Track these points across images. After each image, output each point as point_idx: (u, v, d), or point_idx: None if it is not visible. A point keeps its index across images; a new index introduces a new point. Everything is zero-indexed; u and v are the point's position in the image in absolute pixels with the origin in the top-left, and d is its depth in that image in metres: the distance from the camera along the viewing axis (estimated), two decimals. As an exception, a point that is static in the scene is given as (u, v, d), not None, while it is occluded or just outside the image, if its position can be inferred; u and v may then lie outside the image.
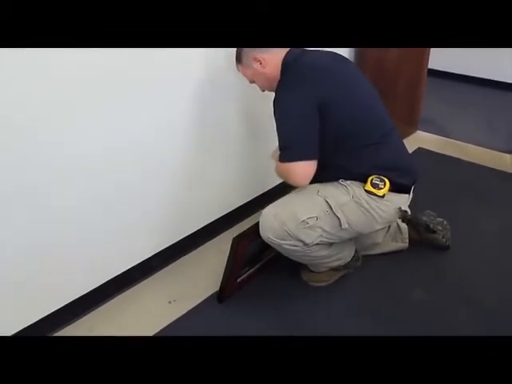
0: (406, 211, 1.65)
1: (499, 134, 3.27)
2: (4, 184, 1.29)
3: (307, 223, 1.52)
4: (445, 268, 1.90)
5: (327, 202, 1.54)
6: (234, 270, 1.67)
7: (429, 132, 3.24)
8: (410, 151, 2.19)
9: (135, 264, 1.78)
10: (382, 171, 1.56)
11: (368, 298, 1.74)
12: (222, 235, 2.09)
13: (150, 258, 1.83)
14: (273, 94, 1.54)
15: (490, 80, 4.22)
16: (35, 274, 1.46)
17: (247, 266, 1.77)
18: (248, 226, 1.66)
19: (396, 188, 1.58)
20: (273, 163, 1.65)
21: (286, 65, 1.56)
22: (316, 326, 1.61)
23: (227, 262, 1.63)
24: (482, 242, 2.06)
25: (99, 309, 1.70)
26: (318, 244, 1.57)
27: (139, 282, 1.82)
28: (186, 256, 1.98)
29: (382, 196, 1.55)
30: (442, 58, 4.03)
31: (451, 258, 1.95)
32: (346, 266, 1.78)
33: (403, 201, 1.64)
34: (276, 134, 1.52)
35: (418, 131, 3.24)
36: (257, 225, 1.61)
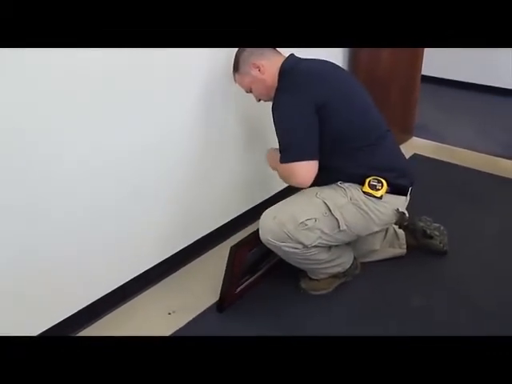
0: (403, 213, 1.67)
1: (494, 138, 3.29)
2: (3, 197, 1.29)
3: (306, 225, 1.53)
4: (443, 273, 1.91)
5: (326, 204, 1.56)
6: (233, 279, 1.67)
7: (424, 138, 3.26)
8: (406, 157, 2.20)
9: (134, 276, 1.78)
10: (378, 172, 1.58)
11: (367, 305, 1.75)
12: (223, 244, 2.09)
13: (148, 269, 1.83)
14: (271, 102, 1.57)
15: (483, 85, 4.25)
16: (35, 286, 1.46)
17: (247, 275, 1.77)
18: (250, 233, 1.67)
19: (393, 189, 1.60)
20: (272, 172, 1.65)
21: (283, 72, 1.60)
22: (317, 333, 1.61)
23: (226, 271, 1.64)
24: (479, 246, 2.07)
25: (99, 322, 1.69)
26: (317, 246, 1.58)
27: (138, 294, 1.82)
28: (186, 266, 1.98)
29: (380, 197, 1.57)
30: (435, 64, 4.06)
31: (449, 263, 1.96)
32: (345, 274, 1.78)
33: (401, 202, 1.66)
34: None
35: (414, 137, 3.26)
36: (255, 233, 1.62)
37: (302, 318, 1.69)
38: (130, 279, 1.77)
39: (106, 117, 1.47)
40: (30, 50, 1.20)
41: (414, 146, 3.08)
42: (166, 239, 1.87)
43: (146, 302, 1.80)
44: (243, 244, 1.62)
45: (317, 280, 1.78)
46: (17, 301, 1.43)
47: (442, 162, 2.90)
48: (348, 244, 1.75)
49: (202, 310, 1.73)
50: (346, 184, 1.60)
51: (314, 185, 1.59)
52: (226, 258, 1.61)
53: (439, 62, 4.16)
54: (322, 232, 1.56)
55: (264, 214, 1.60)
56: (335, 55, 2.43)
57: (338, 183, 1.61)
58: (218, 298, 1.72)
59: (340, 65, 1.77)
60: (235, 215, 2.14)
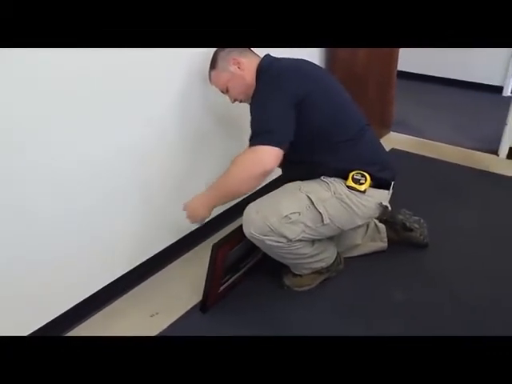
0: (386, 206, 1.68)
1: (470, 132, 3.34)
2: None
3: (290, 218, 1.53)
4: (424, 266, 1.93)
5: (309, 198, 1.56)
6: (216, 278, 1.66)
7: (402, 133, 3.30)
8: (385, 152, 2.23)
9: (115, 279, 1.76)
10: (361, 166, 1.59)
11: (351, 300, 1.75)
12: (204, 243, 2.08)
13: (127, 272, 1.81)
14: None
15: (459, 80, 4.33)
16: (19, 288, 1.44)
17: (229, 274, 1.76)
18: (231, 231, 1.66)
19: (376, 183, 1.61)
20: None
21: (260, 71, 1.60)
22: (302, 328, 1.61)
23: (208, 270, 1.62)
24: (458, 238, 2.10)
25: (80, 326, 1.66)
26: (300, 240, 1.58)
27: (119, 298, 1.79)
28: (167, 267, 1.96)
29: (364, 191, 1.58)
30: (411, 60, 4.11)
31: (430, 256, 1.98)
32: (328, 269, 1.79)
33: (384, 196, 1.67)
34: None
35: (392, 132, 3.29)
36: (237, 230, 1.61)
37: (287, 314, 1.69)
38: (109, 282, 1.74)
39: (80, 119, 1.44)
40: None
41: (392, 141, 3.12)
42: (144, 241, 1.85)
43: (127, 305, 1.77)
44: (225, 242, 1.60)
45: (300, 276, 1.77)
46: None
47: (420, 156, 2.94)
48: (331, 239, 1.75)
49: (186, 310, 1.72)
50: (330, 178, 1.60)
51: (297, 179, 1.60)
52: (208, 257, 1.59)
53: (415, 58, 4.22)
54: (306, 226, 1.56)
55: (247, 208, 1.59)
56: (312, 53, 2.43)
57: (322, 177, 1.61)
58: (201, 298, 1.70)
59: (317, 62, 1.78)
60: (216, 214, 2.13)
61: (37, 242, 1.45)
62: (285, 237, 1.55)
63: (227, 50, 1.63)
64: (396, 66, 3.06)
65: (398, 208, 2.01)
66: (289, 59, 1.64)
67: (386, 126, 3.24)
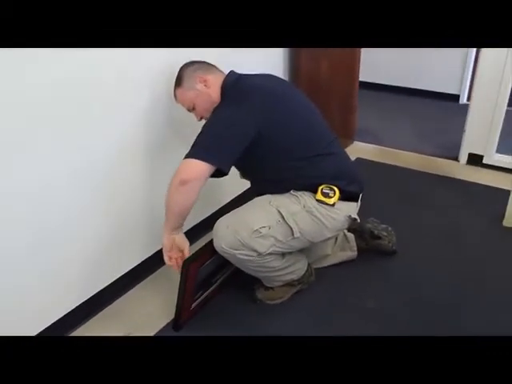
0: (355, 219, 1.70)
1: (431, 140, 3.44)
2: None
3: (260, 232, 1.53)
4: (394, 273, 1.96)
5: (279, 212, 1.56)
6: (188, 294, 1.63)
7: (366, 142, 3.36)
8: (350, 162, 2.26)
9: (86, 299, 1.72)
10: (330, 180, 1.61)
11: (324, 310, 1.76)
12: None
13: (98, 292, 1.77)
14: None
15: (418, 89, 4.45)
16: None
17: (202, 289, 1.74)
18: (202, 246, 1.65)
19: (345, 196, 1.63)
20: (221, 181, 1.63)
21: (225, 88, 1.60)
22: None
23: (179, 287, 1.60)
24: (425, 243, 2.15)
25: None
26: (271, 254, 1.58)
27: (91, 318, 1.75)
28: (138, 286, 1.93)
29: (333, 204, 1.59)
30: (372, 71, 4.22)
31: (399, 263, 2.02)
32: (299, 281, 1.79)
33: (352, 208, 1.69)
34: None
35: (356, 142, 3.35)
36: (207, 246, 1.60)
37: (260, 328, 1.68)
38: (80, 303, 1.70)
39: (44, 143, 1.42)
40: None
41: (356, 151, 3.17)
42: (114, 260, 1.82)
43: (99, 324, 1.73)
44: (196, 258, 1.59)
45: (272, 289, 1.78)
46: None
47: (384, 164, 3.00)
48: (301, 251, 1.76)
49: (159, 329, 1.69)
50: (300, 192, 1.61)
51: (267, 193, 1.61)
52: (179, 275, 1.58)
53: (376, 68, 4.33)
54: (276, 239, 1.56)
55: (217, 222, 1.59)
56: (276, 65, 2.46)
57: (292, 191, 1.62)
58: (173, 316, 1.68)
59: (281, 75, 1.79)
60: (185, 229, 2.11)
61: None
62: (255, 251, 1.55)
63: (193, 67, 1.63)
64: (358, 77, 3.13)
65: (366, 216, 2.04)
66: (254, 76, 1.65)
67: (349, 135, 3.30)
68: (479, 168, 2.90)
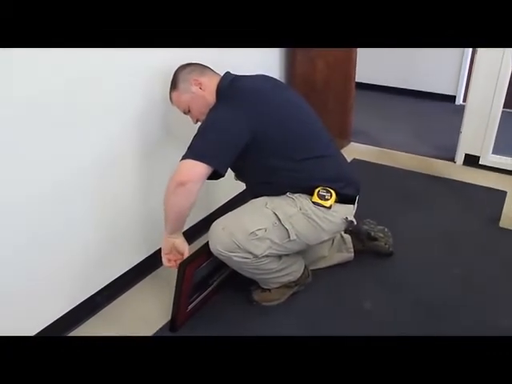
0: (351, 221, 1.70)
1: (428, 141, 3.45)
2: None
3: (256, 235, 1.52)
4: (391, 274, 1.96)
5: (275, 214, 1.56)
6: (184, 296, 1.63)
7: (362, 143, 3.36)
8: (347, 163, 2.26)
9: (80, 302, 1.71)
10: (326, 183, 1.60)
11: (321, 312, 1.76)
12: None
13: (94, 294, 1.76)
14: None
15: (414, 90, 4.46)
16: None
17: (198, 291, 1.73)
18: (198, 248, 1.63)
19: (341, 199, 1.62)
20: (216, 183, 1.62)
21: (220, 90, 1.60)
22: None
23: (176, 289, 1.59)
24: (422, 244, 2.15)
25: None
26: (267, 256, 1.58)
27: (85, 321, 1.73)
28: (133, 288, 1.91)
29: (329, 207, 1.59)
30: (368, 72, 4.22)
31: (396, 264, 2.01)
32: (296, 283, 1.79)
33: (349, 211, 1.69)
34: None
35: (352, 143, 3.36)
36: (203, 248, 1.59)
37: (257, 331, 1.67)
38: (74, 306, 1.69)
39: (31, 151, 1.39)
40: None
41: (352, 151, 3.18)
42: (109, 262, 1.80)
43: (94, 327, 1.71)
44: (192, 260, 1.58)
45: (269, 291, 1.77)
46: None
47: (381, 165, 3.00)
48: (298, 252, 1.75)
49: (155, 331, 1.68)
50: (296, 194, 1.60)
51: (262, 195, 1.61)
52: (175, 277, 1.57)
53: (372, 69, 4.34)
54: (272, 242, 1.56)
55: (213, 224, 1.58)
56: (272, 67, 2.46)
57: (288, 194, 1.61)
58: (169, 318, 1.67)
59: (277, 77, 1.78)
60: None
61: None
62: (251, 253, 1.54)
63: (187, 69, 1.63)
64: (354, 78, 3.13)
65: (362, 218, 2.04)
66: (249, 77, 1.65)
67: (345, 136, 3.30)
68: (475, 169, 2.91)
